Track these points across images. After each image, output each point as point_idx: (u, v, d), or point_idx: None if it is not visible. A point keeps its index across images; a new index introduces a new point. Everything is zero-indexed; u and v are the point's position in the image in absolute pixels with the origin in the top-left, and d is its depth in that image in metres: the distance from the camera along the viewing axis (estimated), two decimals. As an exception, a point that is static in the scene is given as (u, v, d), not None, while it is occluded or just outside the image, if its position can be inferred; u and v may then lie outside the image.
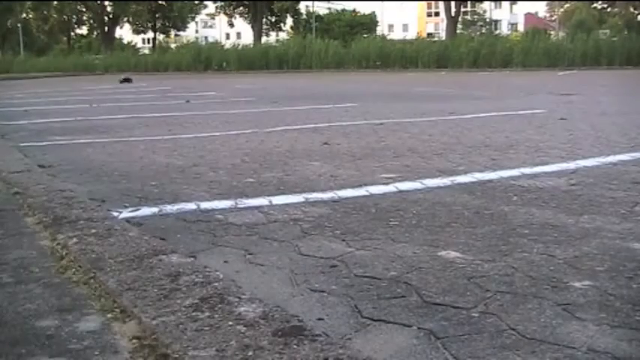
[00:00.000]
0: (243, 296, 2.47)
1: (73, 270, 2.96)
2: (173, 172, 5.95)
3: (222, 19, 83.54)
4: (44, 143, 8.24)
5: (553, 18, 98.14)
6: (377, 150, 7.05)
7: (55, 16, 75.94)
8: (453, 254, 3.33)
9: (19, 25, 75.80)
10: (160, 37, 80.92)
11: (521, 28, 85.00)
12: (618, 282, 2.88)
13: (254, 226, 3.98)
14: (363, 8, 78.05)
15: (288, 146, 7.48)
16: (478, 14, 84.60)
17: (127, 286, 2.61)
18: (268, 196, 4.83)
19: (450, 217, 4.15)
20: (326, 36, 51.82)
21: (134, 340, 2.22)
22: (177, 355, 2.01)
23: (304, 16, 75.00)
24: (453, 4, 51.34)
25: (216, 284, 2.60)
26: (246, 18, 69.70)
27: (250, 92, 19.41)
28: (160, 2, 73.40)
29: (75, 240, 3.29)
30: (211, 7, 78.92)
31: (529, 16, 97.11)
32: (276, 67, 44.81)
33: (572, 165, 5.85)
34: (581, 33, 41.29)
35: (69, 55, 64.53)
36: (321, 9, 79.41)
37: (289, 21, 75.28)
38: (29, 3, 72.07)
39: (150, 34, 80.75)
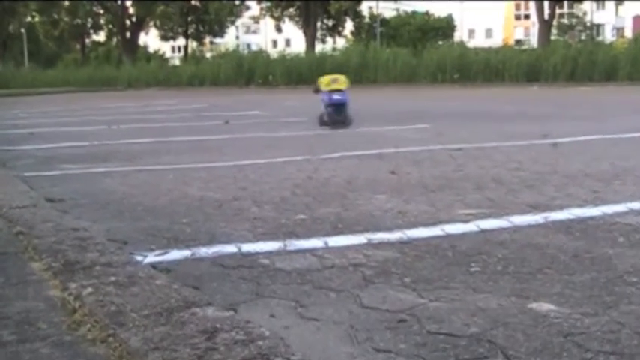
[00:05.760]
0: (292, 357, 2.48)
1: (88, 326, 2.99)
2: (208, 208, 6.00)
3: (267, 24, 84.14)
4: (53, 173, 8.37)
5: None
6: (454, 181, 7.04)
7: (66, 19, 76.81)
8: (546, 306, 3.31)
9: (23, 30, 76.92)
10: (193, 44, 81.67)
11: (628, 33, 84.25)
12: None
13: (306, 273, 4.00)
14: (438, 10, 78.10)
15: (347, 176, 7.50)
16: (577, 17, 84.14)
17: (153, 345, 2.64)
18: (323, 236, 4.85)
19: (542, 261, 4.13)
20: (393, 43, 51.91)
21: (161, 411, 2.24)
22: None
23: (367, 20, 75.30)
24: (546, 4, 51.00)
25: (260, 342, 2.62)
26: (297, 22, 70.03)
27: (301, 111, 19.48)
28: (192, 2, 74.07)
29: (90, 289, 3.33)
30: (255, 9, 79.43)
31: (639, 19, 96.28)
32: (333, 81, 44.86)
33: (695, 199, 5.78)
34: None
35: (83, 67, 65.43)
36: (387, 10, 79.55)
37: (349, 25, 75.60)
38: (34, 4, 72.82)
39: (181, 42, 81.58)
